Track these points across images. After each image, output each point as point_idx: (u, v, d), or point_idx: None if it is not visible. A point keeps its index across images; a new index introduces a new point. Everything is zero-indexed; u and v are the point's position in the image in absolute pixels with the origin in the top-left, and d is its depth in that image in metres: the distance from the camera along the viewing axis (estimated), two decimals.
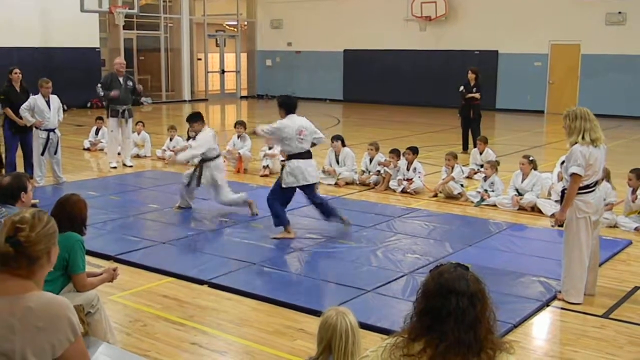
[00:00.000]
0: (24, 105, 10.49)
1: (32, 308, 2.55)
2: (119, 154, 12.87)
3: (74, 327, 2.60)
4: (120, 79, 12.41)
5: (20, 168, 10.87)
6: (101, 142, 14.31)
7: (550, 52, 22.22)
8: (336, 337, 3.27)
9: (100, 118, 14.56)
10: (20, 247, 2.58)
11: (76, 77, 21.46)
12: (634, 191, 8.62)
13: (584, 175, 5.77)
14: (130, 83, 12.58)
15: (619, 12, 20.78)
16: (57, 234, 2.74)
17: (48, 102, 10.62)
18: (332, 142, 11.56)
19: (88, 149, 14.47)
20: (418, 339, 2.32)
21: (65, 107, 11.45)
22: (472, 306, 2.29)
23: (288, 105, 8.10)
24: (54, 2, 21.50)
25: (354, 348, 3.28)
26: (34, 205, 5.15)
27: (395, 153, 10.81)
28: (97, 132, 14.67)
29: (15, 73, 10.95)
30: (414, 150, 10.68)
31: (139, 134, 13.79)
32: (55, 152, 10.79)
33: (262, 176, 11.69)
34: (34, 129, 10.64)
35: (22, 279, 2.60)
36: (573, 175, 5.79)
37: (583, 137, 5.77)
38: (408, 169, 10.57)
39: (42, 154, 10.68)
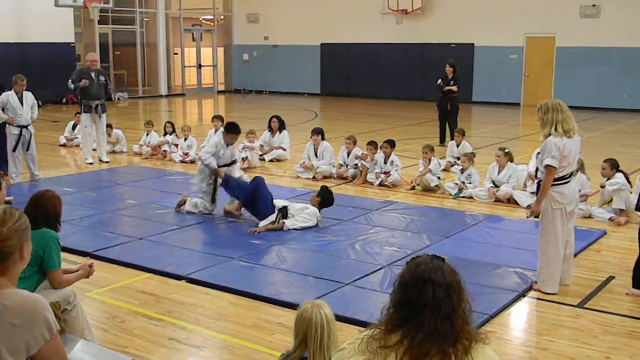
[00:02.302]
0: None
1: (8, 306, 2.53)
2: (94, 149, 12.76)
3: (49, 325, 2.58)
4: (92, 74, 12.28)
5: None
6: (77, 137, 14.15)
7: (526, 44, 22.37)
8: (311, 330, 3.26)
9: (80, 113, 14.38)
10: None
11: (51, 72, 21.20)
12: (607, 181, 8.70)
13: (558, 167, 5.81)
14: (102, 78, 12.45)
15: (593, 5, 20.97)
16: (30, 230, 2.71)
17: (21, 99, 10.52)
18: (312, 136, 11.58)
19: (64, 145, 14.34)
20: (395, 330, 2.33)
21: (40, 103, 11.33)
22: (448, 297, 2.31)
23: None
24: None
25: (329, 341, 3.27)
26: (8, 202, 5.08)
27: (373, 145, 10.84)
28: (74, 128, 14.50)
29: None
30: (391, 144, 10.72)
31: (109, 135, 13.42)
32: (28, 149, 10.68)
33: (241, 169, 11.63)
34: (6, 125, 10.53)
35: None
36: (547, 166, 5.84)
37: (556, 129, 5.81)
38: (385, 162, 10.60)
39: (14, 150, 10.58)
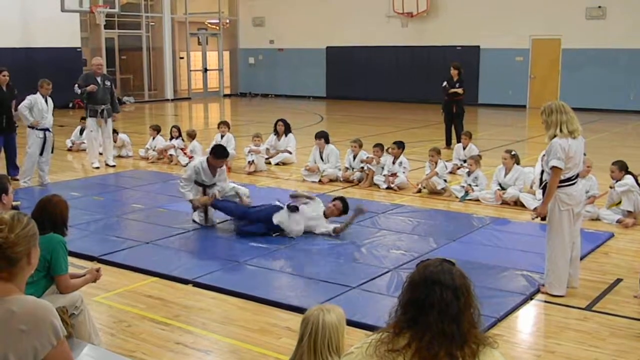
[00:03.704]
0: (25, 104, 10.57)
1: (15, 312, 2.53)
2: (100, 154, 12.78)
3: (56, 331, 2.58)
4: (98, 79, 12.32)
5: (2, 169, 10.79)
6: (84, 142, 14.17)
7: (532, 46, 22.34)
8: (306, 332, 3.22)
9: (85, 117, 14.40)
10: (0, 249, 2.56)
11: (57, 77, 20.88)
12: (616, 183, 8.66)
13: (564, 168, 5.80)
14: (108, 83, 12.50)
15: (599, 7, 20.92)
16: (38, 235, 2.71)
17: (46, 102, 10.68)
18: (315, 140, 11.55)
19: (70, 149, 14.36)
20: (403, 333, 2.33)
21: None
22: (455, 299, 2.31)
23: None
24: (34, 2, 21.30)
25: (322, 346, 3.17)
26: (15, 207, 5.10)
27: (379, 147, 10.83)
28: (81, 132, 14.50)
29: (4, 75, 10.98)
30: (400, 145, 10.69)
31: (115, 142, 13.36)
32: (52, 150, 10.88)
33: (248, 174, 11.64)
34: (17, 131, 10.63)
35: (3, 281, 2.58)
36: (553, 168, 5.83)
37: (561, 130, 5.81)
38: (394, 163, 10.56)
39: (41, 153, 10.65)
